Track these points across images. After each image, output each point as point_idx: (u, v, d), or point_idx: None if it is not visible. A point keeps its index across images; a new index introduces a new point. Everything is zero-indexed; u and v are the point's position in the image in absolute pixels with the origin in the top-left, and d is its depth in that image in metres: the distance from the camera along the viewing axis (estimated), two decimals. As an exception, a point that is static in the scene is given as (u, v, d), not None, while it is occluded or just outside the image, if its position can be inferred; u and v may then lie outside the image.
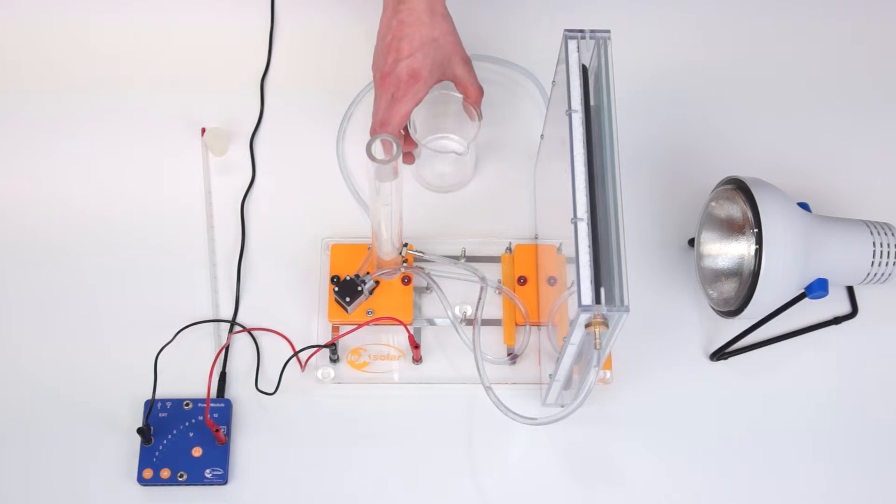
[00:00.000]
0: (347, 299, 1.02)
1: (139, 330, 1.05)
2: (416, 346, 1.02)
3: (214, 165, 1.15)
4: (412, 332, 1.02)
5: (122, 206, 1.12)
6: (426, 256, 1.06)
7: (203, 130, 1.14)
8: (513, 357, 1.03)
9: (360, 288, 1.03)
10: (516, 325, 1.05)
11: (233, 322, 1.05)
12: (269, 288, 1.08)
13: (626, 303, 0.81)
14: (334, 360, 1.03)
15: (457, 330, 1.02)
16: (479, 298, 1.01)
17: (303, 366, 1.02)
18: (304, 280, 1.08)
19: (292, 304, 1.06)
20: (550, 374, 0.95)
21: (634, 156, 1.13)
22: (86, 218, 1.11)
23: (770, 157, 1.16)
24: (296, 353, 1.01)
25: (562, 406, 1.00)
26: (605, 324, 0.82)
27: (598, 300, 0.82)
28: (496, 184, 1.14)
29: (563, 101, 0.91)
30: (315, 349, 1.01)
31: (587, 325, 0.83)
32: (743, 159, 1.16)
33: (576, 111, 0.89)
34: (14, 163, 1.14)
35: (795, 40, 1.24)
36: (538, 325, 1.05)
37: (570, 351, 0.88)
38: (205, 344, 1.04)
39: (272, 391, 1.01)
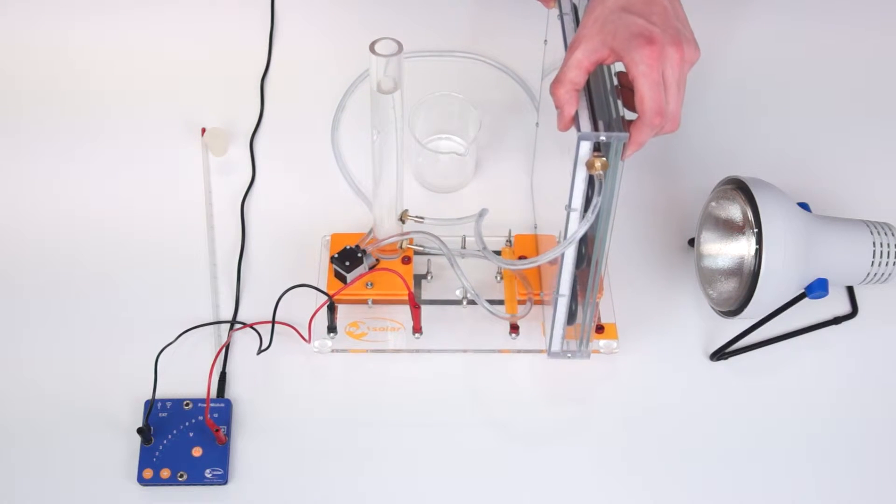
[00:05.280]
0: (347, 264, 1.01)
1: (139, 330, 1.04)
2: (416, 306, 0.99)
3: (214, 165, 1.15)
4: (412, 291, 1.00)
5: (123, 206, 1.12)
6: (425, 221, 1.04)
7: (203, 130, 1.14)
8: (515, 329, 1.03)
9: (360, 255, 1.01)
10: (518, 300, 1.04)
11: (233, 322, 1.05)
12: (269, 287, 1.07)
13: (624, 130, 0.81)
14: (332, 330, 1.02)
15: (458, 276, 0.99)
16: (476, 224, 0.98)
17: (308, 339, 1.02)
18: (304, 279, 1.07)
19: (292, 303, 1.06)
20: (555, 293, 0.93)
21: (634, 155, 1.13)
22: (86, 218, 1.11)
23: (770, 157, 1.16)
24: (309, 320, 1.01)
25: (569, 356, 0.99)
26: (606, 162, 0.82)
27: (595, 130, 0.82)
28: (496, 184, 1.14)
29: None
30: (325, 300, 1.00)
31: (587, 165, 0.82)
32: (743, 159, 1.16)
33: (567, 14, 0.89)
34: (13, 164, 1.14)
35: (795, 40, 1.24)
36: (540, 304, 1.04)
37: (573, 218, 0.86)
38: (205, 344, 1.04)
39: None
